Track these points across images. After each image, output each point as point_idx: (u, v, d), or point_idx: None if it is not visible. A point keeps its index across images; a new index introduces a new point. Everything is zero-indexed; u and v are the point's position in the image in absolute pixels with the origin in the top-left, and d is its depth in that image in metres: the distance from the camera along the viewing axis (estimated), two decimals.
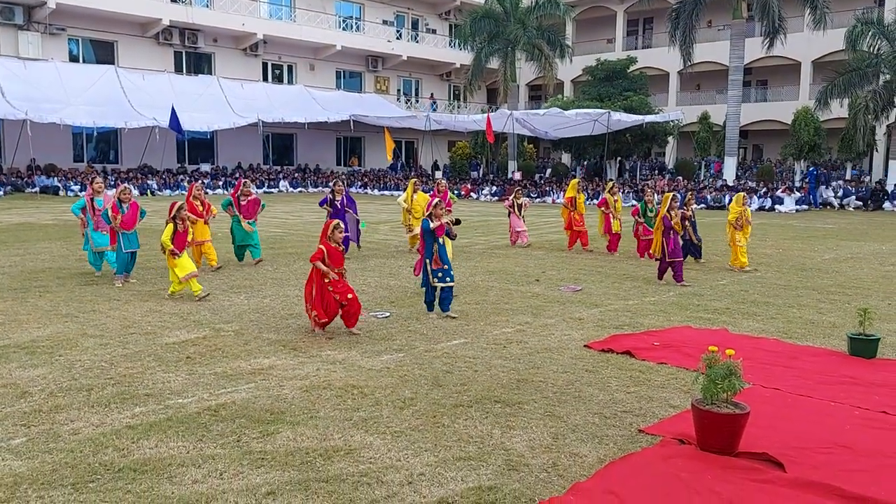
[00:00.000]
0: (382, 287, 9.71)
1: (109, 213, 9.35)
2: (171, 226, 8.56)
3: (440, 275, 7.82)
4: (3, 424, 4.58)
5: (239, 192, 11.20)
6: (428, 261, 7.84)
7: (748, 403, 4.46)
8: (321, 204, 12.44)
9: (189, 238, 9.06)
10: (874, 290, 10.03)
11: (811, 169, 31.72)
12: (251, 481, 3.87)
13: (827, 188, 27.91)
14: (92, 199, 9.88)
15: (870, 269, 12.16)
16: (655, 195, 13.75)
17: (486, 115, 32.17)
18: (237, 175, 31.90)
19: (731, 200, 12.19)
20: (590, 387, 5.58)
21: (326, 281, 6.89)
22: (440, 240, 7.89)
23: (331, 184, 13.66)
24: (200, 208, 10.37)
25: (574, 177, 27.70)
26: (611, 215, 13.44)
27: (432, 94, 44.18)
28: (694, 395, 4.59)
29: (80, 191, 23.98)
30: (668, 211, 10.41)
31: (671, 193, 10.87)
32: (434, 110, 41.44)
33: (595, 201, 19.90)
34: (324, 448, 4.31)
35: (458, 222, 8.28)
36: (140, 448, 4.26)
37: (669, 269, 10.41)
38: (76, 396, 5.12)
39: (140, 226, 9.79)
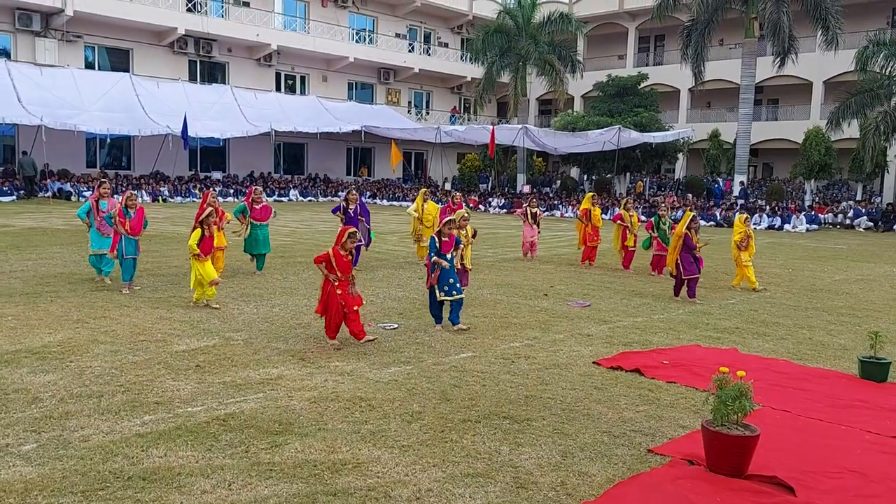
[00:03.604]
0: (391, 298, 9.72)
1: (116, 218, 9.44)
2: (198, 230, 8.65)
3: (446, 288, 7.84)
4: (14, 430, 4.61)
5: (251, 198, 11.43)
6: (432, 275, 7.86)
7: (758, 425, 4.44)
8: (334, 211, 12.52)
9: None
10: (885, 313, 9.97)
11: (715, 186, 31.88)
12: (259, 493, 3.88)
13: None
14: (97, 202, 10.01)
15: (881, 291, 12.09)
16: (669, 210, 13.76)
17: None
18: (248, 183, 32.07)
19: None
20: (599, 404, 5.56)
21: (336, 284, 6.92)
22: (447, 255, 7.93)
23: (344, 192, 13.77)
24: (216, 217, 10.48)
25: (587, 191, 27.72)
26: (627, 230, 13.46)
27: (454, 108, 44.49)
28: (704, 415, 4.57)
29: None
30: (687, 229, 10.42)
31: (692, 213, 10.91)
32: (453, 123, 41.67)
33: (605, 216, 19.86)
34: (332, 461, 4.32)
35: (474, 234, 8.46)
36: (149, 456, 4.27)
37: (685, 286, 10.44)
38: (86, 403, 5.14)
39: (152, 232, 9.86)
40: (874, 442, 4.99)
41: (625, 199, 14.72)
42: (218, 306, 8.61)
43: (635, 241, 13.55)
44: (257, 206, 11.42)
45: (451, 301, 7.87)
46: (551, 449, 4.64)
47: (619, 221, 13.66)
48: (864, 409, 5.68)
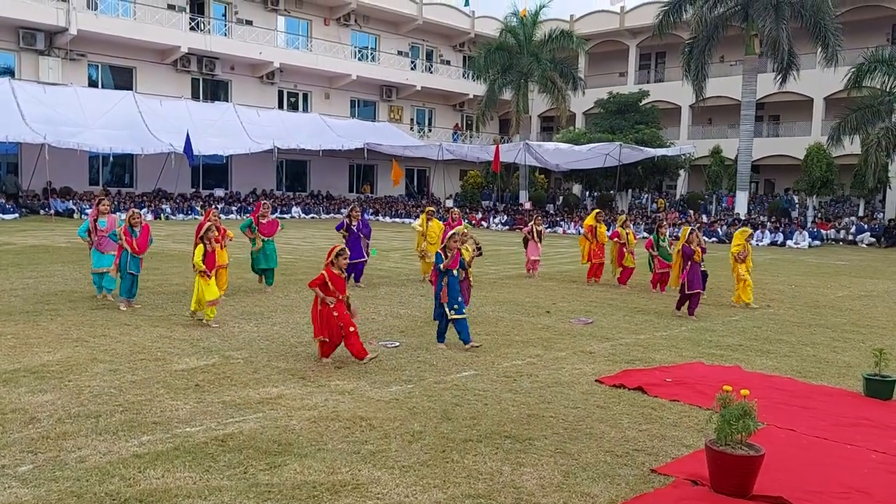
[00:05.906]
0: (392, 316, 9.68)
1: (122, 237, 9.42)
2: (200, 246, 8.62)
3: (456, 307, 7.81)
4: (11, 451, 4.56)
5: (259, 213, 11.45)
6: (440, 293, 7.83)
7: (762, 445, 4.38)
8: (338, 228, 12.56)
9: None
10: (889, 330, 9.91)
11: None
12: None
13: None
14: (95, 220, 10.00)
15: (884, 307, 12.03)
16: (668, 227, 13.77)
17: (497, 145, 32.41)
18: (251, 200, 32.16)
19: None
20: (601, 423, 5.51)
21: (332, 306, 6.91)
22: (453, 272, 7.91)
23: (347, 209, 13.80)
24: (216, 233, 10.48)
25: (589, 207, 27.74)
26: (624, 248, 13.43)
27: (457, 125, 44.75)
28: (707, 434, 4.52)
29: None
30: (687, 242, 10.42)
31: (689, 227, 10.90)
32: (455, 140, 41.87)
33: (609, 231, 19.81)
34: (331, 482, 4.26)
35: (479, 250, 8.45)
36: (146, 478, 4.22)
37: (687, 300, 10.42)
38: (84, 423, 5.09)
39: (153, 250, 9.86)
40: (880, 461, 4.92)
41: (623, 217, 14.70)
42: (217, 325, 8.57)
43: (633, 259, 13.53)
44: (264, 221, 11.43)
45: (457, 319, 7.82)
46: (553, 469, 4.59)
47: (615, 239, 13.64)
48: (870, 427, 5.62)
